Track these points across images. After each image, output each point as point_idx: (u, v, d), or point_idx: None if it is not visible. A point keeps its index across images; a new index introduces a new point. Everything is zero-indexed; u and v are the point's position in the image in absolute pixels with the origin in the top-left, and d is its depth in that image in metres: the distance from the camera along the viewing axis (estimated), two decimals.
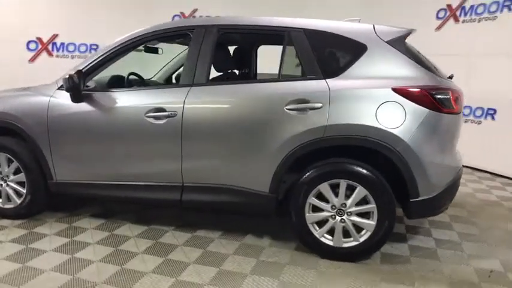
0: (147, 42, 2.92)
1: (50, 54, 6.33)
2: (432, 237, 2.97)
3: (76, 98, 2.74)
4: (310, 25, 2.58)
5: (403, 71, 2.44)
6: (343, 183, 2.44)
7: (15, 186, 3.04)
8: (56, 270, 2.36)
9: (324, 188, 2.47)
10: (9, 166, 3.03)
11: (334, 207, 2.48)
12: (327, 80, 2.45)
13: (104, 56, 2.83)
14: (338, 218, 2.48)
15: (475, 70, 4.99)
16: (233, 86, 2.68)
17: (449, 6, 5.43)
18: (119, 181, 2.80)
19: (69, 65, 6.39)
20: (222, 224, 3.09)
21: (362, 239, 2.47)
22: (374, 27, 2.55)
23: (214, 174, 2.64)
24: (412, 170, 2.34)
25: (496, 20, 4.87)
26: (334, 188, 2.47)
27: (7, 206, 3.07)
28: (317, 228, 2.54)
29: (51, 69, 6.36)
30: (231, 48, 3.48)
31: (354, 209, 2.45)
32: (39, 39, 6.27)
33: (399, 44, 2.50)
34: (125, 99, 2.75)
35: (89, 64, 2.82)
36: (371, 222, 2.44)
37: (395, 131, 2.32)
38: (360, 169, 2.40)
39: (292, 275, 2.37)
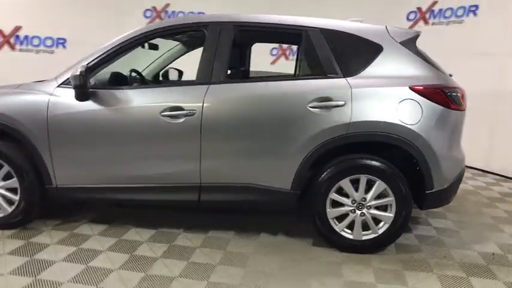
0: (155, 38, 2.80)
1: (12, 47, 5.85)
2: (432, 226, 3.17)
3: (82, 96, 2.56)
4: (328, 25, 2.62)
5: (416, 70, 2.57)
6: (363, 178, 2.52)
7: (5, 193, 2.77)
8: (75, 282, 2.19)
9: (345, 183, 2.54)
10: None
11: (354, 201, 2.56)
12: (347, 78, 2.52)
13: (110, 51, 2.66)
14: (358, 212, 2.57)
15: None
16: (253, 84, 2.66)
17: (419, 9, 5.78)
18: (131, 183, 2.66)
19: (33, 60, 5.98)
20: (231, 223, 3.05)
21: (380, 231, 2.58)
22: (387, 28, 2.66)
23: (234, 173, 2.60)
24: (429, 164, 2.48)
25: (462, 23, 5.27)
26: (353, 183, 2.55)
27: None
28: (337, 223, 2.61)
29: (14, 64, 5.90)
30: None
31: (373, 202, 2.55)
32: (0, 31, 5.77)
33: (411, 44, 2.64)
34: (137, 98, 2.61)
35: (93, 60, 2.64)
36: (389, 215, 2.55)
37: (414, 127, 2.44)
38: (380, 164, 2.49)
39: (319, 270, 2.41)
